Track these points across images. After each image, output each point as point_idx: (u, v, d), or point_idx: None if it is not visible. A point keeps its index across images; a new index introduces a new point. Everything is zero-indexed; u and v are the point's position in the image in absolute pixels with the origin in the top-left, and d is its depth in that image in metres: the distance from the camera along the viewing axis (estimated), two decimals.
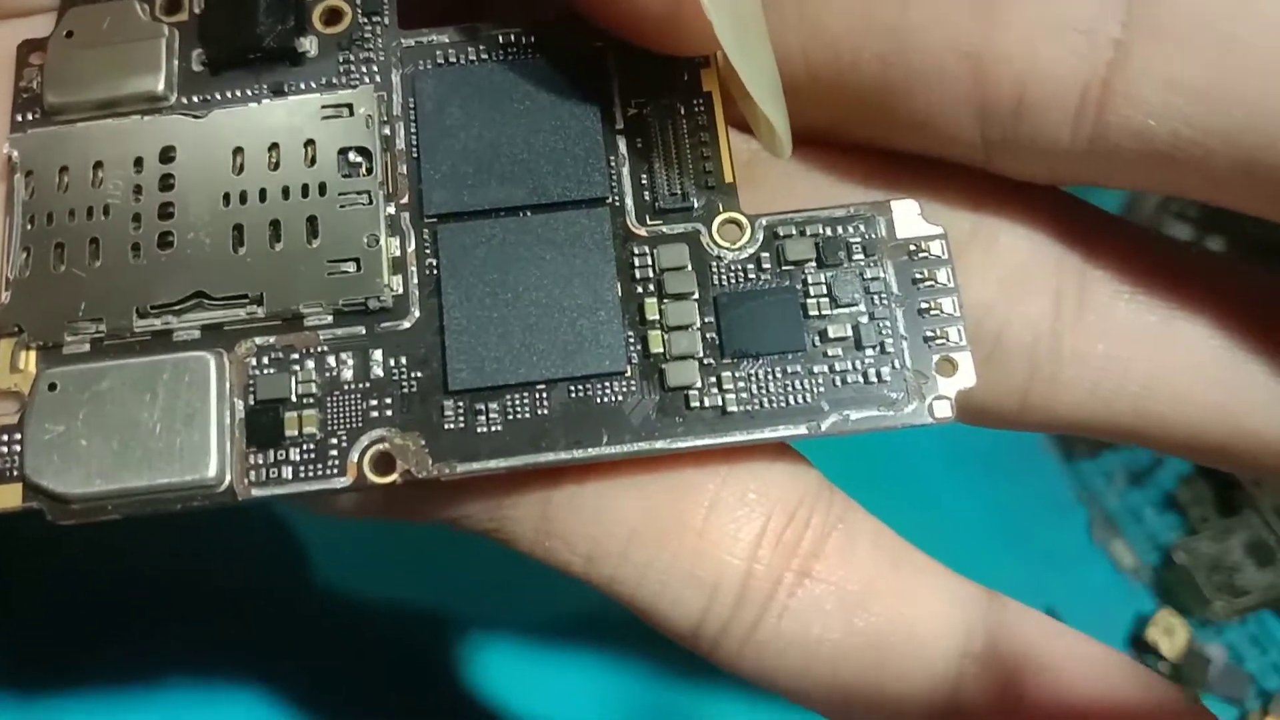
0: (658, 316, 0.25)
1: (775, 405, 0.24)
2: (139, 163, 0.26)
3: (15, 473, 0.24)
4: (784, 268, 0.25)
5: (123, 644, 0.44)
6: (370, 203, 0.25)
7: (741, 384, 0.25)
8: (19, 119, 0.26)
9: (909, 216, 0.25)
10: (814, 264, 0.25)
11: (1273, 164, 0.22)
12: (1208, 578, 0.59)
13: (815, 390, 0.25)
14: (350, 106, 0.26)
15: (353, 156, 0.26)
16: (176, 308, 0.25)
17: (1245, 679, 0.59)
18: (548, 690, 0.49)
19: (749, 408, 0.24)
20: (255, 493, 0.24)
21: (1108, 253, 0.26)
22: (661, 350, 0.25)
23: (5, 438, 0.24)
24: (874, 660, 0.25)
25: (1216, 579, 0.59)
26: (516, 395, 0.25)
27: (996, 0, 0.23)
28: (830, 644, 0.25)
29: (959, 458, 0.58)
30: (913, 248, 0.25)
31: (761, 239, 0.25)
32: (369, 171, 0.25)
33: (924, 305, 0.25)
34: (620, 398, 0.25)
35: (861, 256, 0.25)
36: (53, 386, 0.24)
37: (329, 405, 0.25)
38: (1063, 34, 0.23)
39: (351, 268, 0.25)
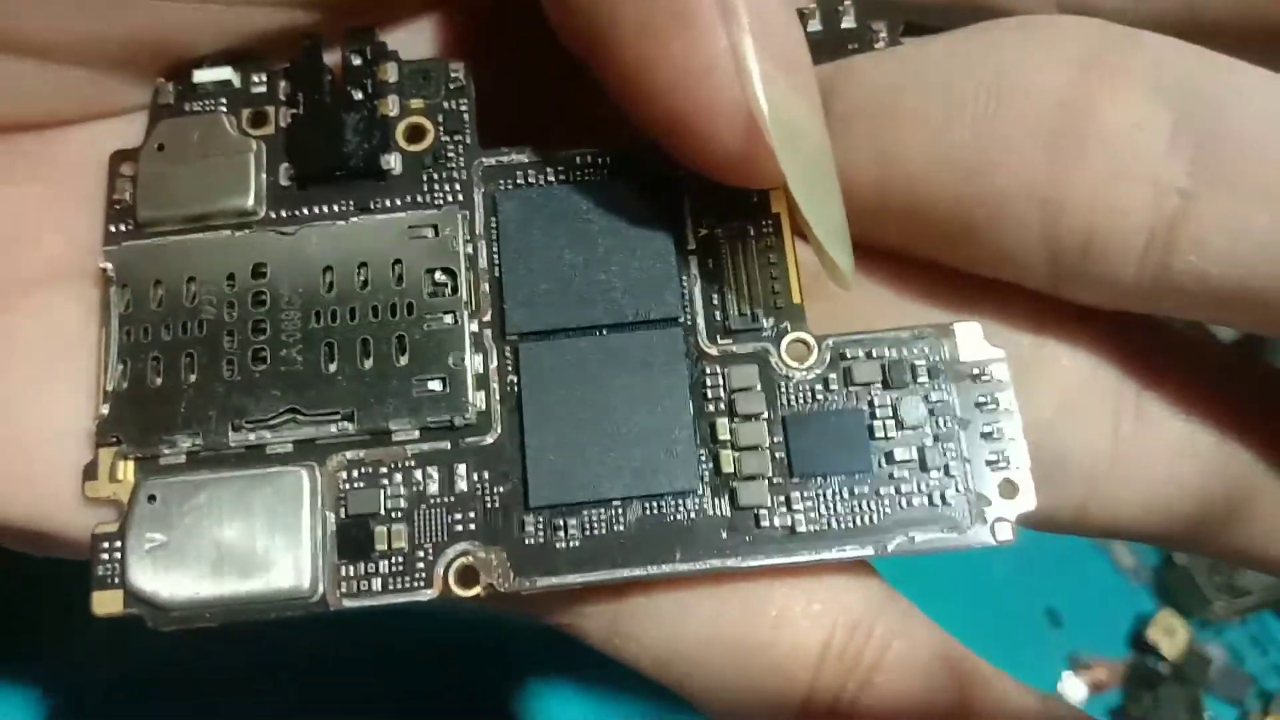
0: (729, 436, 0.26)
1: (843, 525, 0.26)
2: (231, 278, 0.27)
3: (116, 580, 0.25)
4: (851, 388, 0.26)
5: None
6: (456, 322, 0.26)
7: (810, 504, 0.26)
8: (112, 230, 0.28)
9: (972, 339, 0.27)
10: (880, 385, 0.26)
11: None
12: (1208, 578, 0.59)
13: (881, 511, 0.26)
14: (436, 227, 0.27)
15: (438, 276, 0.27)
16: (270, 422, 0.26)
17: (1245, 679, 0.60)
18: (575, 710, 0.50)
19: (817, 527, 0.26)
20: (347, 604, 0.25)
21: (1165, 373, 0.27)
22: (733, 470, 0.26)
23: (106, 545, 0.25)
24: None
25: (1217, 579, 0.59)
26: (594, 511, 0.26)
27: (1070, 146, 0.24)
28: None
29: None
30: (976, 370, 0.26)
31: (829, 359, 0.27)
32: (454, 291, 0.27)
33: (986, 428, 0.26)
34: (693, 515, 0.26)
35: (926, 379, 0.26)
36: (152, 498, 0.25)
37: (416, 518, 0.26)
38: (1131, 182, 0.24)
39: (437, 386, 0.26)
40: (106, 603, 0.25)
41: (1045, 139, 0.24)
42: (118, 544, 0.25)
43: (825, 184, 0.24)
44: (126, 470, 0.26)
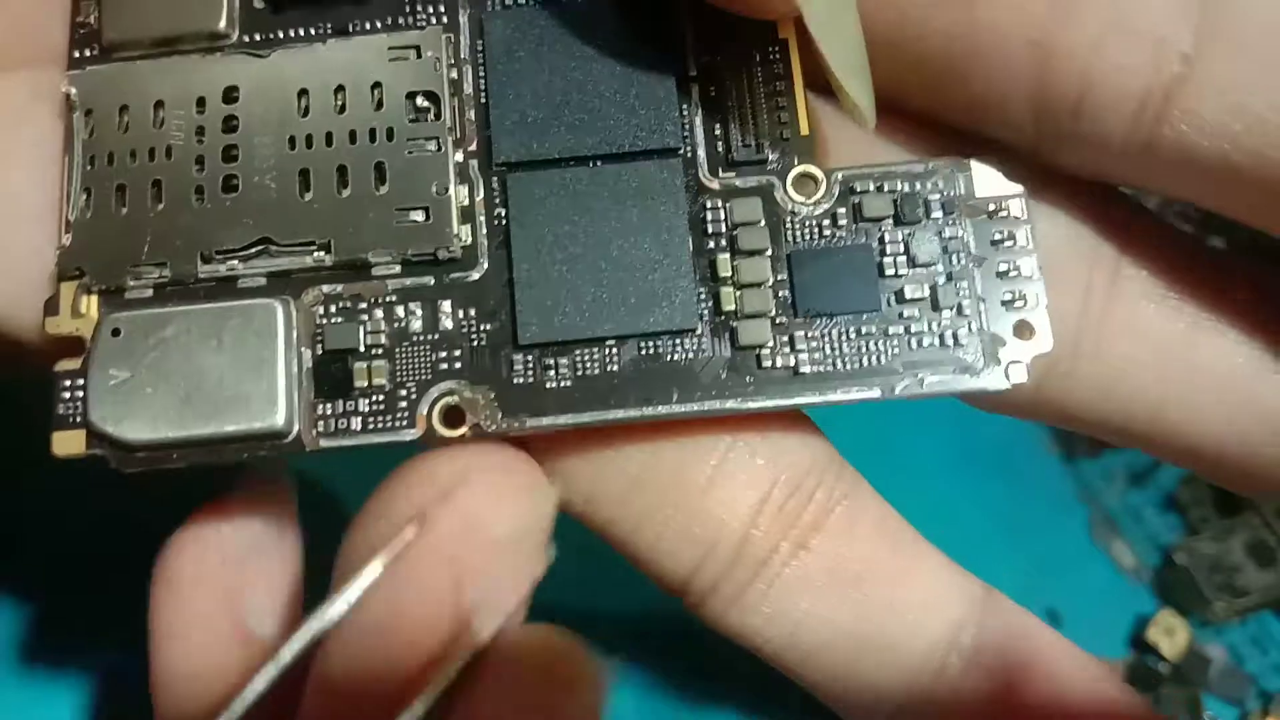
0: (730, 273, 0.24)
1: (849, 367, 0.24)
2: (201, 103, 0.25)
3: (79, 419, 0.24)
4: (860, 224, 0.25)
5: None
6: (439, 149, 0.25)
7: (814, 344, 0.24)
8: (76, 55, 0.26)
9: (989, 175, 0.25)
10: (891, 221, 0.25)
11: None
12: (1208, 578, 0.59)
13: (890, 352, 0.24)
14: (418, 49, 0.25)
15: (420, 101, 0.25)
16: (242, 253, 0.24)
17: (1246, 679, 0.59)
18: None
19: (822, 368, 0.24)
20: (324, 443, 0.24)
21: (1144, 252, 0.26)
22: (733, 308, 0.24)
23: (68, 383, 0.24)
24: (858, 641, 0.25)
25: (1217, 579, 0.59)
26: (586, 351, 0.24)
27: None
28: (817, 618, 0.25)
29: (960, 457, 0.58)
30: (992, 207, 0.25)
31: (837, 194, 0.25)
32: (437, 116, 0.25)
33: (1002, 266, 0.25)
34: (691, 355, 0.24)
35: (940, 214, 0.25)
36: (116, 332, 0.24)
37: (398, 356, 0.24)
38: (1133, 39, 0.22)
39: (420, 216, 0.24)
40: (67, 443, 0.24)
41: None
42: (80, 381, 0.24)
43: (845, 13, 0.22)
44: (90, 305, 0.25)
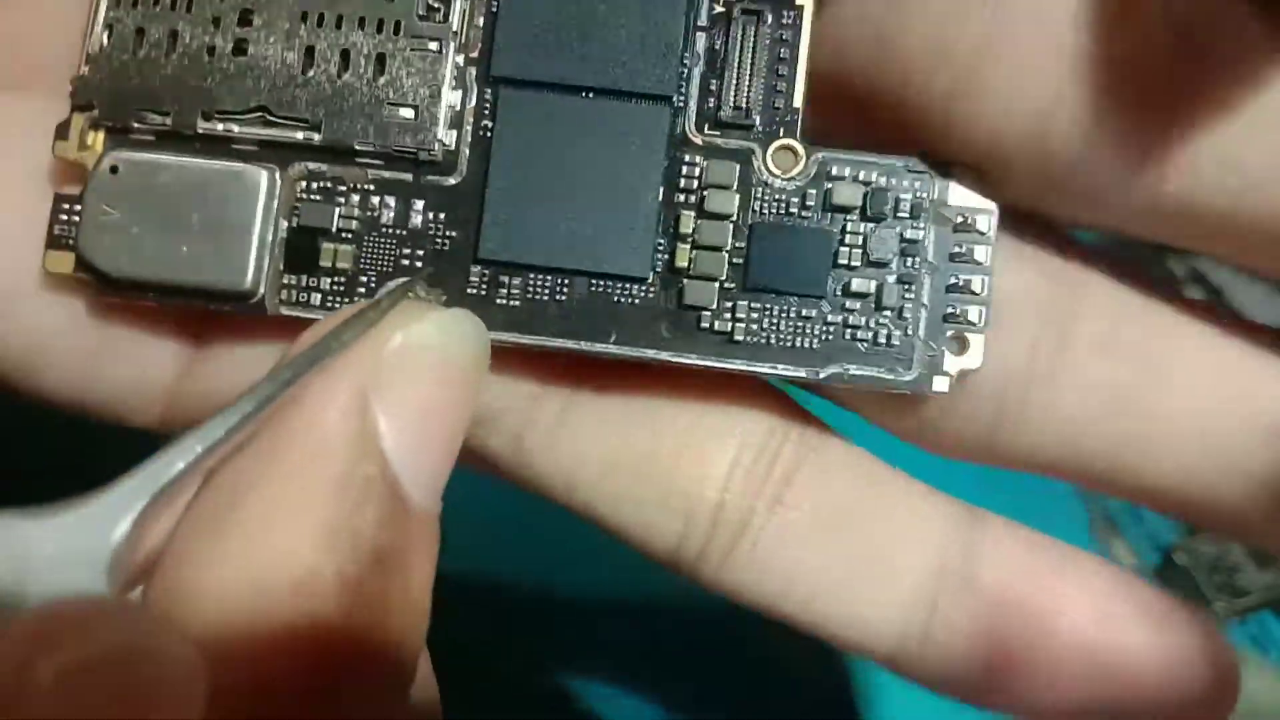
0: (691, 231, 0.25)
1: (781, 344, 0.25)
2: None
3: (70, 242, 0.26)
4: (827, 211, 0.25)
5: None
6: (440, 51, 0.25)
7: (754, 315, 0.25)
8: None
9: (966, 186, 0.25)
10: (858, 213, 0.25)
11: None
12: (1208, 578, 0.58)
13: (825, 338, 0.25)
14: None
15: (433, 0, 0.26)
16: (240, 117, 0.26)
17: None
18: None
19: (757, 340, 0.25)
20: (284, 311, 0.26)
21: (1095, 306, 0.26)
22: (686, 265, 0.25)
23: (66, 206, 0.26)
24: (847, 582, 0.26)
25: (1217, 579, 0.59)
26: (540, 276, 0.25)
27: None
28: (807, 566, 0.26)
29: None
30: (960, 218, 0.25)
31: (814, 173, 0.25)
32: (445, 19, 0.25)
33: (954, 280, 0.25)
34: (636, 302, 0.25)
35: (907, 215, 0.25)
36: (114, 169, 0.25)
37: (365, 243, 0.26)
38: None
39: (409, 114, 0.25)
40: (58, 262, 0.26)
41: None
42: (76, 208, 0.26)
43: None
44: (96, 140, 0.26)
